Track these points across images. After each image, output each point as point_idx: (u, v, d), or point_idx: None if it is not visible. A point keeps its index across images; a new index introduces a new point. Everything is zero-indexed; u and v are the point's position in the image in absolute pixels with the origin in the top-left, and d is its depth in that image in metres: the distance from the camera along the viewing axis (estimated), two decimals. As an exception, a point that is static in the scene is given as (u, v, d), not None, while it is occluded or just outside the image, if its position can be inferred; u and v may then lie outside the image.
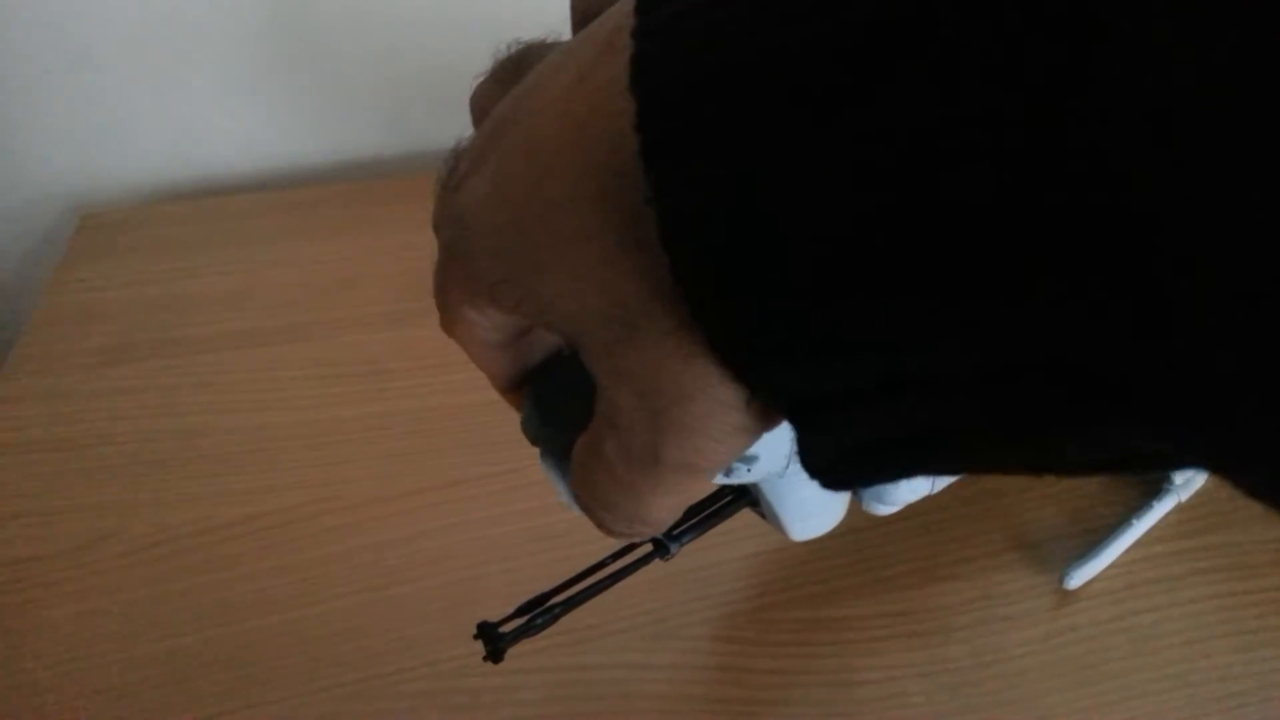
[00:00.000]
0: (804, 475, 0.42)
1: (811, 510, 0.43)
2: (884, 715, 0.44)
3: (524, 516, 0.53)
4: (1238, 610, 0.48)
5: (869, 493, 0.45)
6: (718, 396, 0.21)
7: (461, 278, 0.25)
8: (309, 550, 0.52)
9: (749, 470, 0.38)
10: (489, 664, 0.45)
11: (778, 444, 0.38)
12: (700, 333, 0.20)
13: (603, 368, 0.23)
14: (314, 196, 0.84)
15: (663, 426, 0.22)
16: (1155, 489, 0.52)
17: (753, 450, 0.37)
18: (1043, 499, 0.53)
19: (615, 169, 0.20)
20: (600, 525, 0.28)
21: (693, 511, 0.43)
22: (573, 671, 0.46)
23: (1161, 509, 0.51)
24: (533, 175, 0.22)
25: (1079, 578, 0.48)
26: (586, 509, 0.28)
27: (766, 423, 0.22)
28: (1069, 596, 0.48)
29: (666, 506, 0.25)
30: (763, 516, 0.45)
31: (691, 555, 0.49)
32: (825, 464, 0.22)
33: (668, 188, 0.18)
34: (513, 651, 0.43)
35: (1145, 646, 0.46)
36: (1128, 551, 0.50)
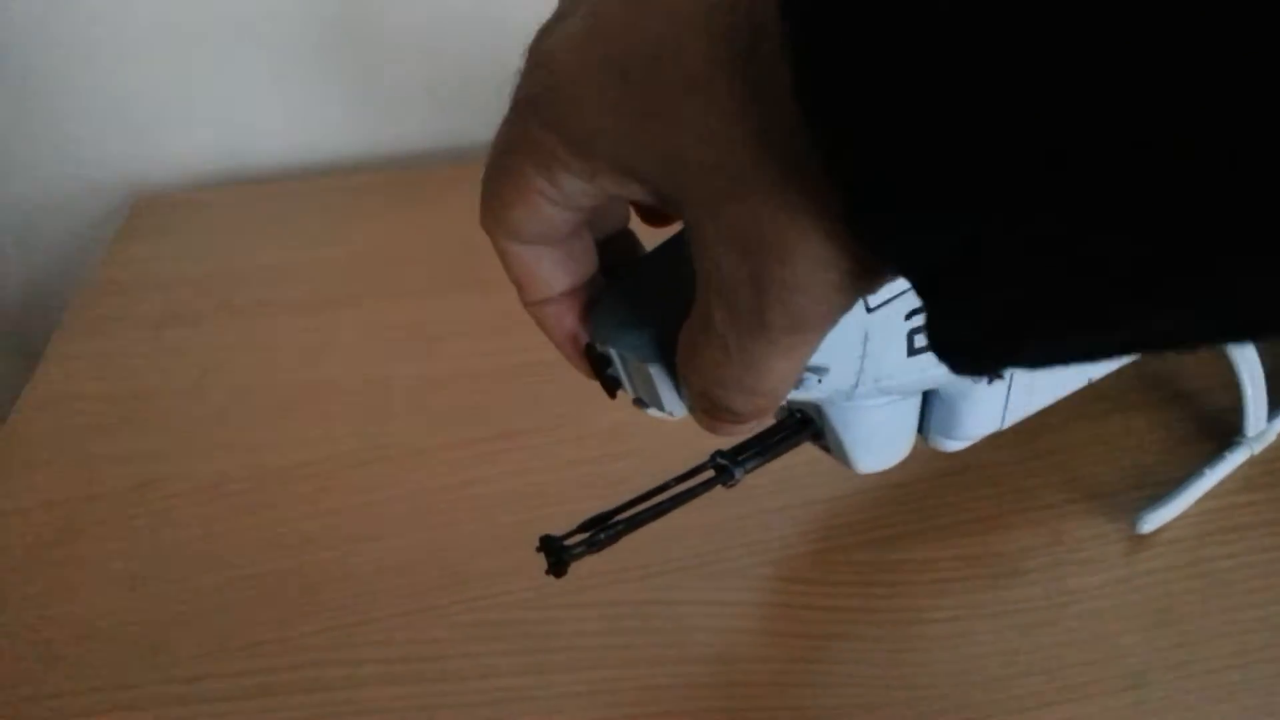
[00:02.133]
0: (871, 402, 0.41)
1: (879, 441, 0.43)
2: (950, 653, 0.42)
3: (576, 466, 0.53)
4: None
5: (936, 428, 0.44)
6: (818, 254, 0.20)
7: (539, 134, 0.23)
8: (362, 494, 0.52)
9: (819, 382, 0.37)
10: (544, 600, 0.44)
11: (848, 357, 0.37)
12: (810, 189, 0.19)
13: (705, 227, 0.22)
14: (358, 183, 0.85)
15: (765, 287, 0.21)
16: (1227, 442, 0.50)
17: (823, 361, 0.37)
18: (1109, 453, 0.51)
19: (727, 7, 0.19)
20: (717, 409, 0.27)
21: (757, 440, 0.42)
22: (631, 605, 0.45)
23: (1234, 460, 0.50)
24: (633, 16, 0.21)
25: (1152, 522, 0.47)
26: (701, 395, 0.27)
27: (865, 284, 0.21)
28: (1141, 543, 0.47)
29: (780, 372, 0.24)
30: (827, 450, 0.44)
31: (751, 500, 0.48)
32: (959, 342, 0.20)
33: (804, 40, 0.17)
34: (571, 585, 0.42)
35: (1223, 590, 0.44)
36: (1200, 503, 0.48)
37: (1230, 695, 0.40)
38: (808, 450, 0.44)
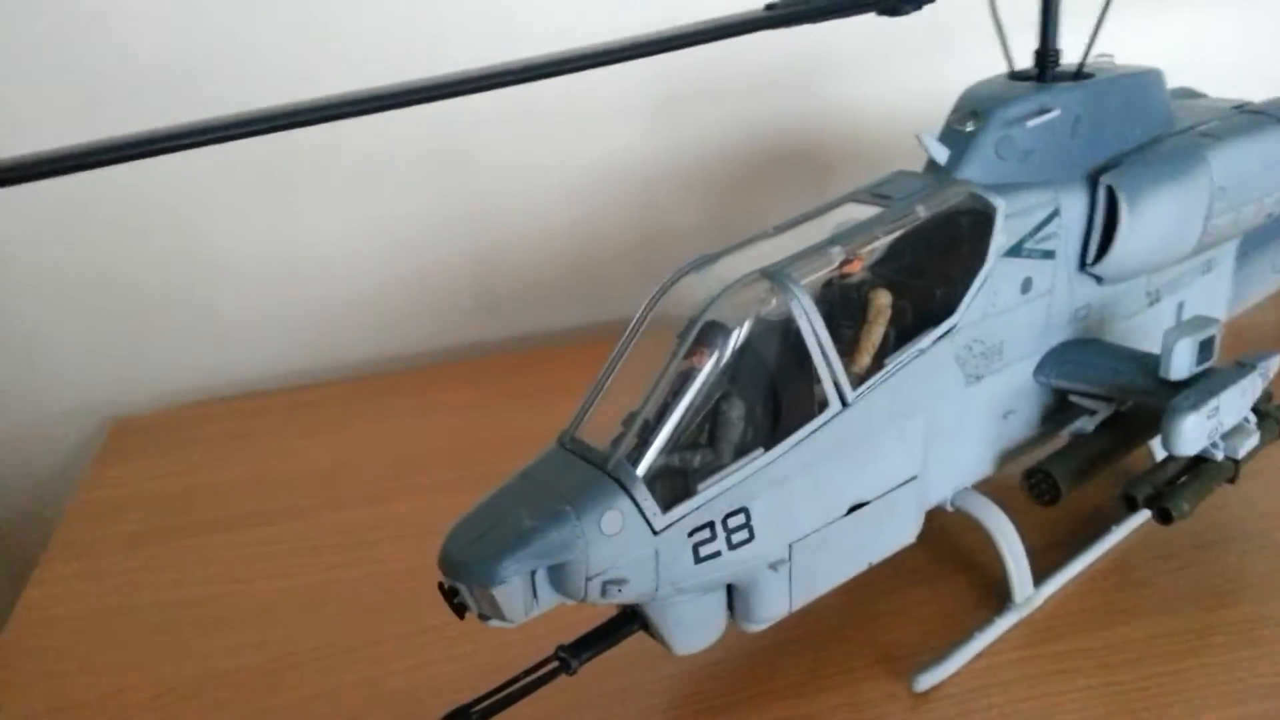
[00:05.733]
0: (679, 599, 0.53)
1: (689, 629, 0.54)
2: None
3: (472, 656, 0.63)
4: (1088, 698, 0.56)
5: (739, 614, 0.55)
6: None
7: None
8: (292, 692, 0.63)
9: (620, 591, 0.48)
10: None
11: (643, 571, 0.49)
12: None
13: None
14: (313, 397, 0.98)
15: None
16: (1001, 606, 0.61)
17: (621, 575, 0.48)
18: (908, 621, 0.63)
19: None
20: None
21: (594, 634, 0.53)
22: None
23: (1002, 625, 0.61)
24: None
25: (926, 682, 0.57)
26: None
27: None
28: (921, 699, 0.57)
29: None
30: (654, 638, 0.55)
31: (593, 681, 0.58)
32: None
33: None
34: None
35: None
36: (980, 660, 0.59)
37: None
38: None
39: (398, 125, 0.62)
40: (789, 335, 0.52)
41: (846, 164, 1.03)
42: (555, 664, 0.52)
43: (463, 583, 0.47)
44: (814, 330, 0.51)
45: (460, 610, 0.49)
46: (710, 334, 0.50)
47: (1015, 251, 0.59)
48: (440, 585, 0.48)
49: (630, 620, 0.54)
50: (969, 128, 0.60)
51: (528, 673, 0.52)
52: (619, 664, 0.54)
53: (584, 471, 0.48)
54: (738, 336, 0.50)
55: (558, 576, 0.47)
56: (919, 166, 0.60)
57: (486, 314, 1.05)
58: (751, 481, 0.50)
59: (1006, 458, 0.64)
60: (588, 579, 0.47)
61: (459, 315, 1.05)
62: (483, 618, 0.49)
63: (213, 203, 0.97)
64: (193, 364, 1.03)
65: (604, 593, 0.48)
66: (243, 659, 0.65)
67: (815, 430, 0.52)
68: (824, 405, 0.52)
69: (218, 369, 1.04)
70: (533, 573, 0.47)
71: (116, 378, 1.02)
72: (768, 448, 0.51)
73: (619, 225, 1.03)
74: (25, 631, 0.70)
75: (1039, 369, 0.63)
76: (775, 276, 0.51)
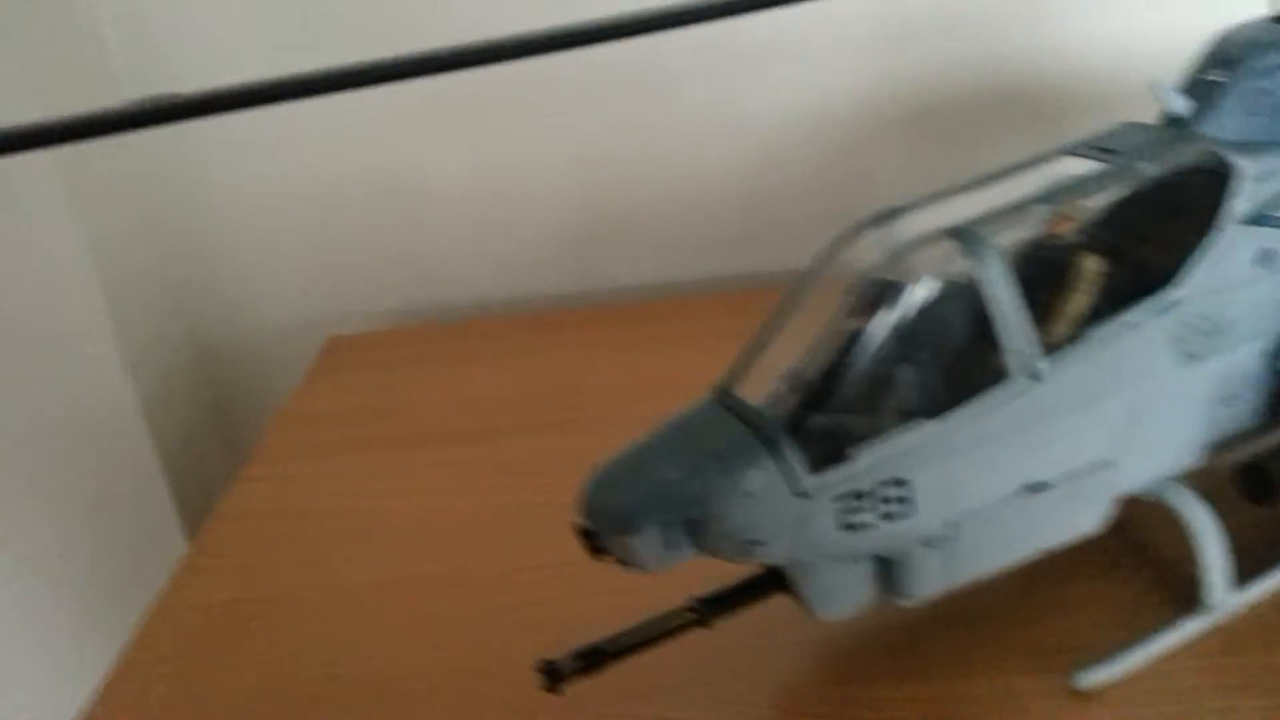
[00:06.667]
0: (825, 564, 0.50)
1: (832, 596, 0.52)
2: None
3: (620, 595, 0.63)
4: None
5: (891, 587, 0.52)
6: None
7: None
8: (444, 606, 0.65)
9: (758, 552, 0.47)
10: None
11: (783, 533, 0.47)
12: None
13: None
14: (502, 327, 1.02)
15: None
16: (1187, 609, 0.55)
17: (759, 536, 0.46)
18: (1076, 612, 0.57)
19: None
20: None
21: (733, 589, 0.52)
22: (626, 717, 0.55)
23: (1189, 628, 0.54)
24: None
25: (1088, 680, 0.52)
26: None
27: None
28: (1087, 700, 0.52)
29: None
30: (796, 599, 0.53)
31: (738, 635, 0.57)
32: None
33: None
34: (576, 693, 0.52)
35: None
36: (1152, 665, 0.53)
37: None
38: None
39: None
40: (971, 298, 0.48)
41: (1077, 115, 0.94)
42: (691, 615, 0.51)
43: (598, 528, 0.46)
44: (1002, 295, 0.47)
45: (596, 551, 0.48)
46: (883, 292, 0.47)
47: (1259, 220, 0.52)
48: (576, 525, 0.48)
49: (771, 580, 0.53)
50: (1217, 76, 0.53)
51: (662, 620, 0.51)
52: (753, 619, 0.52)
53: (732, 426, 0.47)
54: (913, 297, 0.47)
55: (695, 531, 0.46)
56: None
57: (675, 251, 1.04)
58: (914, 452, 0.47)
59: (1221, 448, 0.57)
60: (725, 537, 0.46)
61: (645, 252, 1.04)
62: (619, 562, 0.48)
63: (424, 127, 1.00)
64: (402, 284, 1.08)
65: (741, 552, 0.47)
66: (405, 570, 0.68)
67: (994, 403, 0.48)
68: (1007, 376, 0.48)
69: (423, 291, 1.08)
70: (669, 525, 0.46)
71: (334, 294, 1.08)
72: (937, 417, 0.47)
73: (811, 169, 0.99)
74: (223, 526, 0.76)
75: (1275, 352, 0.56)
76: (962, 235, 0.47)
